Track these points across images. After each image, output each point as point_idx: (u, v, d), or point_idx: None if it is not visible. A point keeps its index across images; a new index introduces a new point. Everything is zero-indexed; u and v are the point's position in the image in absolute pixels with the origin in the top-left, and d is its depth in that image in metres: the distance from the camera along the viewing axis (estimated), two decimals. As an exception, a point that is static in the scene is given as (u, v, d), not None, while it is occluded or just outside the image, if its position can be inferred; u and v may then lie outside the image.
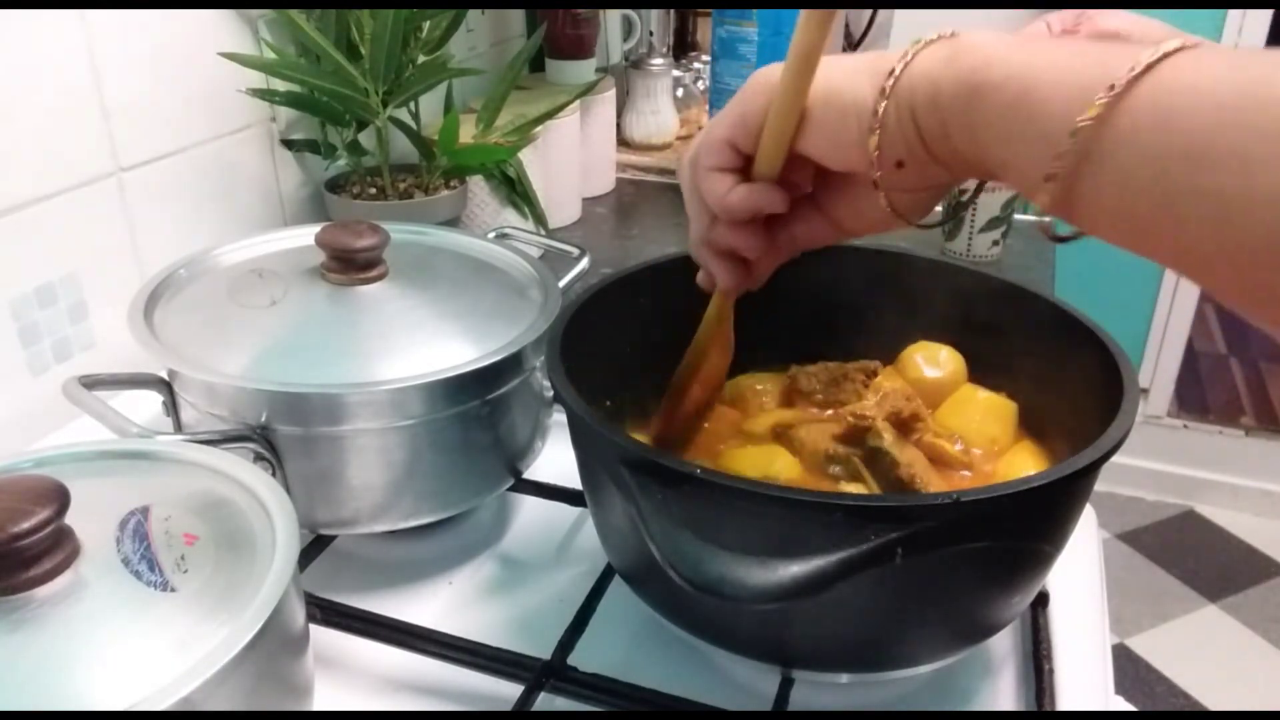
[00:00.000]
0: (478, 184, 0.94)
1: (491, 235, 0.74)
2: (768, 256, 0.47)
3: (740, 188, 0.43)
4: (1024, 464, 0.55)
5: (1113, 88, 0.30)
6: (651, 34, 1.33)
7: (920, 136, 0.38)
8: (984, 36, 0.36)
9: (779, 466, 0.54)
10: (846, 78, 0.39)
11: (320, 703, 0.45)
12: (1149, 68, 0.30)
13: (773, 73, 0.41)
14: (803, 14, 0.39)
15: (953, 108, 0.36)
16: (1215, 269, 0.30)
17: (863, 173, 0.40)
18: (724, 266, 0.47)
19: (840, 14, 0.43)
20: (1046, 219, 0.36)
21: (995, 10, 1.48)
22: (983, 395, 0.59)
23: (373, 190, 0.89)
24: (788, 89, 0.40)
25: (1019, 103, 0.33)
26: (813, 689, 0.51)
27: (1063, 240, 0.39)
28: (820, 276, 0.63)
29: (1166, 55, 0.30)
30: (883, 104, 0.37)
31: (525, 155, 0.96)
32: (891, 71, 0.37)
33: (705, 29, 1.54)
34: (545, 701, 0.50)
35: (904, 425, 0.55)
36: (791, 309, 0.61)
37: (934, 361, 0.61)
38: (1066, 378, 0.54)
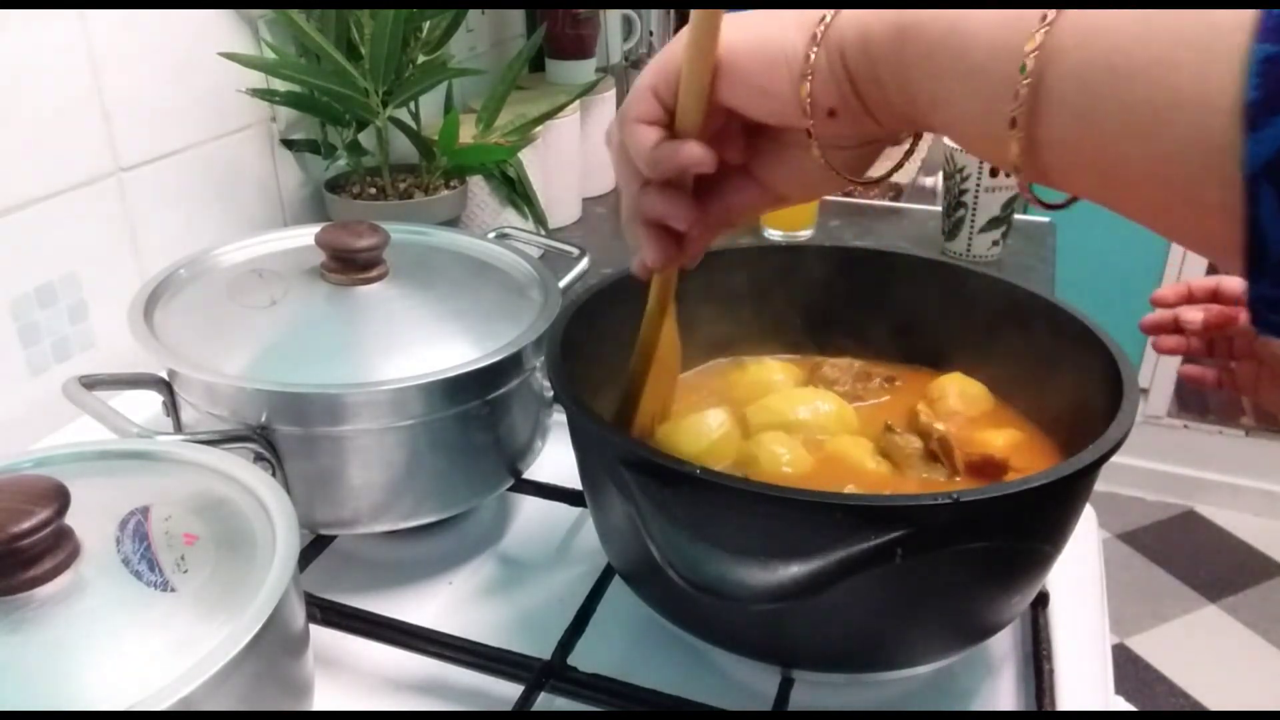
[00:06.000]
0: (478, 184, 0.94)
1: (491, 235, 0.74)
2: (701, 230, 0.45)
3: (667, 142, 0.42)
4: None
5: (1045, 17, 0.30)
6: (651, 34, 1.33)
7: (852, 82, 0.37)
8: None
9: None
10: (776, 28, 0.39)
11: (320, 703, 0.45)
12: None
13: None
14: None
15: (883, 49, 0.36)
16: (1140, 190, 0.30)
17: (794, 124, 0.39)
18: (654, 238, 0.45)
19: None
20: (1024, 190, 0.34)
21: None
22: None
23: (373, 190, 0.89)
24: (695, 36, 0.39)
25: (947, 38, 0.33)
26: (813, 689, 0.51)
27: (1056, 207, 0.37)
28: (814, 275, 0.63)
29: None
30: (814, 50, 0.37)
31: (525, 155, 0.96)
32: (823, 19, 0.37)
33: (705, 29, 1.54)
34: (545, 701, 0.50)
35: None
36: (788, 305, 0.62)
37: (965, 395, 0.60)
38: (1067, 378, 0.54)
